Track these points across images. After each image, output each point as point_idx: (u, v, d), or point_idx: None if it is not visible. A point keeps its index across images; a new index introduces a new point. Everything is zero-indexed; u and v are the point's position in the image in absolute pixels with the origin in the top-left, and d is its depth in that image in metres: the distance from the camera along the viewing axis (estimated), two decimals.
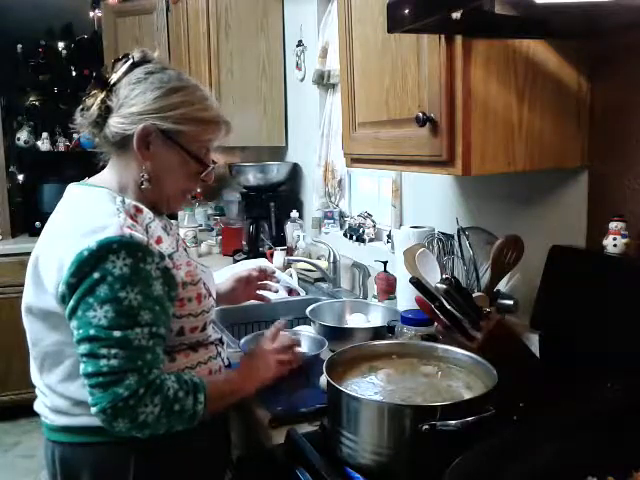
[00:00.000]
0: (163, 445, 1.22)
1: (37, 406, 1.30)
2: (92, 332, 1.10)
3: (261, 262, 1.74)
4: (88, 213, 1.20)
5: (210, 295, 1.33)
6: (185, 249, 1.38)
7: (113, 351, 1.10)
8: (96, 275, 1.10)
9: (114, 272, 1.10)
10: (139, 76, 1.24)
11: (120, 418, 1.10)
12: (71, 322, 1.13)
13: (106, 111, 1.23)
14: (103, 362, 1.09)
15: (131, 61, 1.26)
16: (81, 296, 1.11)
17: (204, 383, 1.21)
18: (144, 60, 1.28)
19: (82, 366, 1.12)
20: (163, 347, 1.19)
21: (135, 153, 1.23)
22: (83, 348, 1.11)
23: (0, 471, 3.12)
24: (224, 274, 2.40)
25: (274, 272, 1.71)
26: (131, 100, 1.22)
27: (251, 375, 1.36)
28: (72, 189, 1.30)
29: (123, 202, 1.21)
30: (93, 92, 1.25)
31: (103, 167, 1.33)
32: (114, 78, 1.24)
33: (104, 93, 1.24)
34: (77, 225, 1.17)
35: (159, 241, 1.21)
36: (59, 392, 1.22)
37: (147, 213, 1.24)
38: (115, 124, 1.22)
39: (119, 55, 1.31)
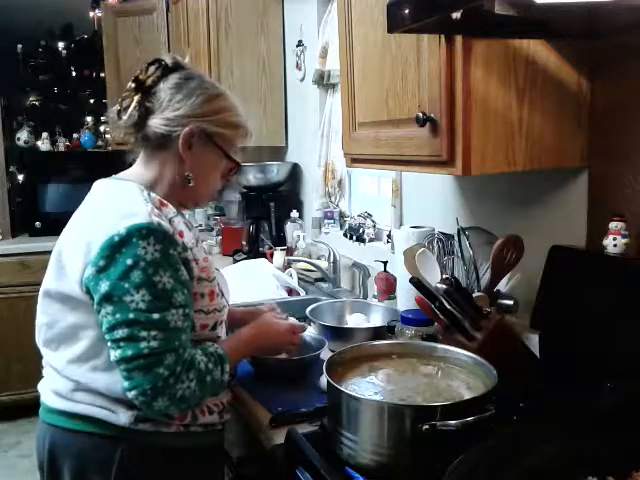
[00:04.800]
0: (150, 445, 1.25)
1: (40, 386, 1.34)
2: (131, 316, 1.14)
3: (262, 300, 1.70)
4: (116, 201, 1.25)
5: (223, 296, 1.36)
6: (204, 250, 1.39)
7: (153, 333, 1.14)
8: (129, 261, 1.14)
9: (146, 257, 1.14)
10: (178, 81, 1.30)
11: (160, 397, 1.15)
12: (103, 307, 1.16)
13: (145, 112, 1.29)
14: (144, 344, 1.14)
15: (164, 65, 1.32)
16: (115, 282, 1.14)
17: (226, 353, 1.28)
18: (177, 65, 1.34)
19: (118, 351, 1.15)
20: (191, 330, 1.24)
21: (174, 152, 1.29)
22: (121, 332, 1.14)
23: (0, 471, 3.12)
24: (224, 274, 2.40)
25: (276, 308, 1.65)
26: (176, 104, 1.28)
27: (262, 340, 1.45)
28: (99, 183, 1.35)
29: (149, 195, 1.26)
30: (128, 93, 1.31)
31: (130, 164, 1.38)
32: (149, 81, 1.30)
33: (140, 95, 1.29)
34: (105, 212, 1.23)
35: (181, 235, 1.25)
36: (65, 374, 1.25)
37: (171, 208, 1.29)
38: (158, 125, 1.28)
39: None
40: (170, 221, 1.25)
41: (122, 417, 1.22)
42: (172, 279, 1.17)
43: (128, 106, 1.29)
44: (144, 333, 1.14)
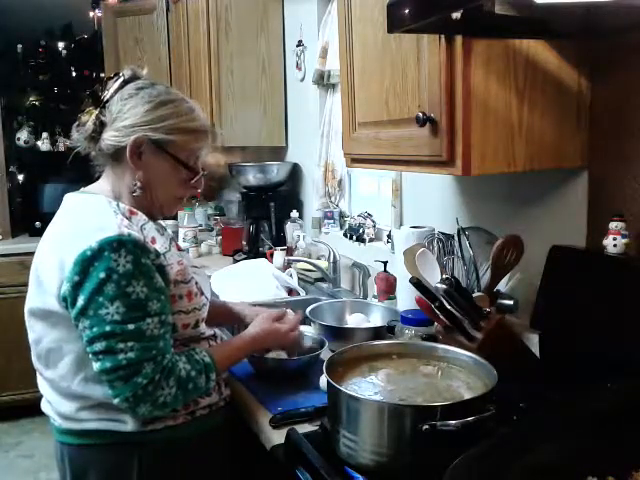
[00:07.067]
0: (164, 441, 1.28)
1: (44, 407, 1.35)
2: (108, 329, 1.16)
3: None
4: (87, 216, 1.26)
5: (202, 294, 1.38)
6: (179, 250, 1.40)
7: (130, 344, 1.16)
8: (102, 275, 1.15)
9: (118, 270, 1.16)
10: (130, 92, 1.31)
11: (142, 404, 1.19)
12: (81, 322, 1.18)
13: (100, 126, 1.30)
14: (121, 356, 1.16)
15: (122, 79, 1.33)
16: (90, 295, 1.16)
17: (214, 361, 1.30)
18: (134, 77, 1.34)
19: (98, 364, 1.18)
20: (171, 334, 1.25)
21: (128, 163, 1.29)
22: (99, 346, 1.17)
23: (0, 471, 3.12)
24: (224, 274, 2.40)
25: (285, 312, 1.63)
26: (124, 114, 1.28)
27: (255, 345, 1.46)
28: (69, 197, 1.35)
29: (118, 206, 1.28)
30: (88, 109, 1.31)
31: (98, 177, 1.38)
32: (107, 95, 1.31)
33: (98, 110, 1.30)
34: (77, 227, 1.24)
35: (153, 241, 1.28)
36: (62, 388, 1.27)
37: (141, 216, 1.31)
38: (109, 137, 1.29)
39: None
40: (141, 229, 1.27)
41: (130, 424, 1.25)
42: (146, 288, 1.18)
43: (87, 121, 1.30)
44: (121, 345, 1.16)
